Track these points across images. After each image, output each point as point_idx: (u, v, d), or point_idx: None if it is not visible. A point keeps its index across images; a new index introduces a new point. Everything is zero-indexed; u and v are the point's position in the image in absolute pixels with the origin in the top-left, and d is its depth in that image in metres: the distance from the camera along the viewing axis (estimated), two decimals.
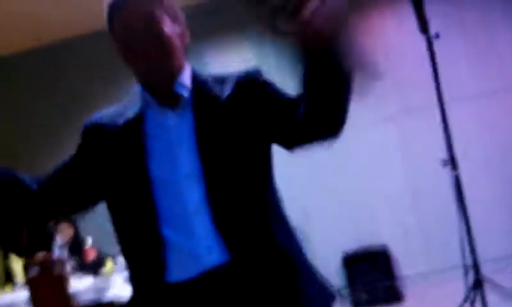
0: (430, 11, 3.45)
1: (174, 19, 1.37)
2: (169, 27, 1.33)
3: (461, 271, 3.46)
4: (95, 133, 1.40)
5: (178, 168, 1.31)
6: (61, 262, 3.58)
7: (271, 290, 1.31)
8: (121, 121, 1.38)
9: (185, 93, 1.37)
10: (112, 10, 1.34)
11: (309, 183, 5.04)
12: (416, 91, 4.81)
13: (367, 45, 1.18)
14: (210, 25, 5.16)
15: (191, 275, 1.29)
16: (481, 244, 3.74)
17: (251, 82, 1.39)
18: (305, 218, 4.54)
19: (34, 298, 3.48)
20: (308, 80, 1.21)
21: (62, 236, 4.50)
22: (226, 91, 1.38)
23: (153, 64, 1.32)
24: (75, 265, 4.07)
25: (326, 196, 5.04)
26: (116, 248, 1.41)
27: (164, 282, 1.31)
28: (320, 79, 1.18)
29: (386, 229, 4.96)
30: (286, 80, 1.30)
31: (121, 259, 3.47)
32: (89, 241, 4.26)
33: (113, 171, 1.36)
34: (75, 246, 4.48)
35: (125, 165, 1.34)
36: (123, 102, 1.45)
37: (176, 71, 1.36)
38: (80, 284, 3.60)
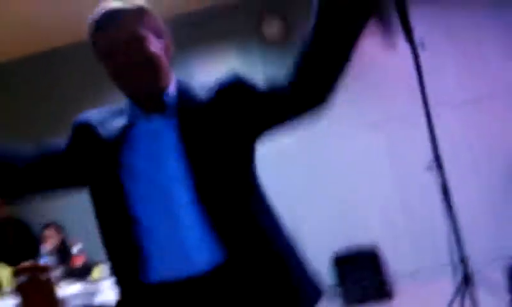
0: (416, 18, 3.47)
1: (158, 34, 1.38)
2: (154, 45, 1.34)
3: (449, 268, 3.49)
4: (83, 131, 1.42)
5: (165, 171, 1.32)
6: (49, 269, 3.55)
7: (261, 287, 1.32)
8: (108, 126, 1.40)
9: (171, 101, 1.39)
10: (97, 29, 1.33)
11: (299, 185, 5.06)
12: (404, 98, 4.84)
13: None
14: (197, 34, 5.16)
15: (179, 275, 1.30)
16: (469, 242, 3.78)
17: (232, 84, 1.40)
18: (295, 219, 4.55)
19: (23, 305, 3.45)
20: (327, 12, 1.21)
21: (49, 243, 4.47)
22: (209, 95, 1.40)
23: (141, 83, 1.33)
24: (63, 272, 4.04)
25: (316, 197, 5.06)
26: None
27: (142, 281, 1.32)
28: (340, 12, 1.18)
29: (375, 229, 4.99)
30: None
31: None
32: (77, 247, 4.23)
33: (91, 170, 1.38)
34: (63, 252, 4.45)
35: (101, 169, 1.37)
36: (115, 106, 1.47)
37: (163, 86, 1.38)
38: (68, 291, 3.57)
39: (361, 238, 4.97)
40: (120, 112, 1.43)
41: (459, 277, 3.40)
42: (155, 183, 1.32)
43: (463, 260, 3.40)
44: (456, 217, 3.48)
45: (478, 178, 4.89)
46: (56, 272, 3.77)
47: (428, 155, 3.54)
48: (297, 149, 5.09)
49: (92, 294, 3.50)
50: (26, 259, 3.72)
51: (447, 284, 3.52)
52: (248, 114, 1.37)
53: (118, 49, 1.30)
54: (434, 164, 3.49)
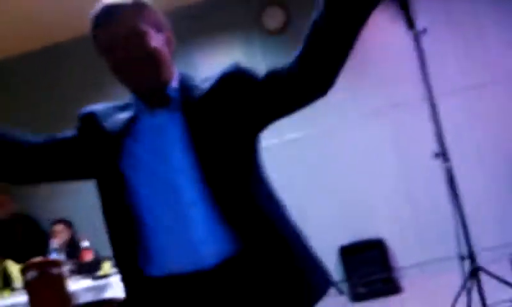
0: (418, 5, 3.47)
1: (158, 28, 1.39)
2: (154, 39, 1.35)
3: (456, 261, 3.49)
4: (88, 122, 1.43)
5: (170, 164, 1.33)
6: (59, 264, 3.58)
7: (270, 279, 1.32)
8: (112, 118, 1.42)
9: (175, 94, 1.40)
10: (97, 24, 1.34)
11: (304, 178, 5.06)
12: (407, 86, 4.83)
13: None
14: (197, 27, 5.16)
15: (186, 269, 1.30)
16: (477, 233, 3.77)
17: (233, 74, 1.41)
18: (300, 213, 4.55)
19: (33, 301, 3.48)
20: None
21: (58, 239, 4.50)
22: (211, 86, 1.41)
23: (142, 78, 1.34)
24: (72, 267, 4.07)
25: (322, 190, 5.06)
26: None
27: (148, 275, 1.33)
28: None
29: (381, 222, 4.99)
30: None
31: None
32: (85, 243, 4.25)
33: (95, 162, 1.39)
34: (72, 248, 4.49)
35: (104, 160, 1.37)
36: (120, 101, 1.48)
37: (166, 80, 1.39)
38: (77, 286, 3.60)
39: (367, 232, 4.97)
40: (124, 107, 1.44)
41: (467, 269, 3.40)
42: (160, 176, 1.32)
43: (470, 253, 3.40)
44: (463, 208, 3.47)
45: (482, 166, 4.86)
46: (66, 267, 3.80)
47: (432, 143, 3.54)
48: (301, 141, 5.10)
49: (101, 289, 3.52)
50: (35, 255, 3.75)
51: (455, 277, 3.52)
52: (251, 102, 1.38)
53: (118, 44, 1.31)
54: (439, 153, 3.49)
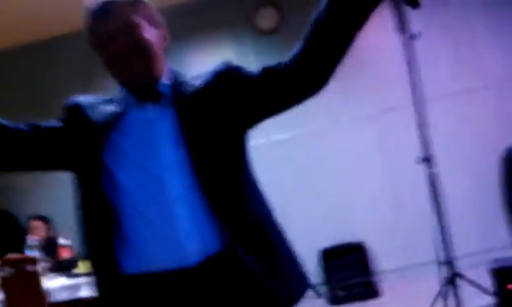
0: (410, 10, 3.48)
1: (152, 23, 1.39)
2: (148, 33, 1.36)
3: (436, 266, 3.51)
4: (73, 112, 1.42)
5: (158, 159, 1.32)
6: (36, 261, 3.53)
7: (252, 277, 1.31)
8: (99, 110, 1.41)
9: (167, 90, 1.39)
10: (92, 18, 1.35)
11: (288, 180, 5.06)
12: (396, 91, 4.86)
13: None
14: (190, 25, 5.15)
15: (169, 266, 1.28)
16: (457, 239, 3.80)
17: (225, 71, 1.43)
18: (283, 214, 4.55)
19: (8, 298, 3.43)
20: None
21: (36, 235, 4.44)
22: (203, 83, 1.42)
23: (135, 70, 1.34)
24: (48, 265, 4.01)
25: (306, 192, 5.08)
26: None
27: (125, 273, 1.30)
28: None
29: (363, 226, 5.01)
30: None
31: None
32: (63, 240, 4.20)
33: (78, 152, 1.37)
34: (50, 245, 4.43)
35: (83, 153, 1.36)
36: (106, 95, 1.47)
37: (158, 75, 1.39)
38: (53, 284, 3.55)
39: (349, 235, 4.98)
40: (111, 101, 1.44)
41: (445, 275, 3.42)
42: (146, 171, 1.31)
43: (448, 258, 3.43)
44: (444, 215, 3.50)
45: (468, 172, 4.91)
46: (42, 265, 3.75)
47: (419, 149, 3.56)
48: (288, 142, 5.10)
49: (77, 287, 3.48)
50: (12, 251, 3.70)
51: (435, 282, 3.54)
52: (243, 99, 1.39)
53: (112, 37, 1.32)
54: (423, 158, 3.52)
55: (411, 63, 3.53)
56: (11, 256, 3.52)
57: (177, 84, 1.42)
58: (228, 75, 1.42)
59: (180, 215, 1.28)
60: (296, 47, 1.35)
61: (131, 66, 1.33)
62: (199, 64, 5.02)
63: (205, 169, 1.30)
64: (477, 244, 4.75)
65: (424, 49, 4.02)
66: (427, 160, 3.51)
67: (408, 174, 4.73)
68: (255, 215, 1.37)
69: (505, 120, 4.89)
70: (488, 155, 4.84)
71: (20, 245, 4.06)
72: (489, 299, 3.36)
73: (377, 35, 4.74)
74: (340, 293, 4.64)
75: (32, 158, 1.40)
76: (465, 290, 3.41)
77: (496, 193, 4.75)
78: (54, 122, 1.44)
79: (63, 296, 3.46)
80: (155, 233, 1.28)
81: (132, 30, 1.32)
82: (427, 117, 3.60)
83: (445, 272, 3.44)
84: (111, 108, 1.40)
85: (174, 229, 1.28)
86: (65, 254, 4.12)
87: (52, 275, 3.86)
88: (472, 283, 3.38)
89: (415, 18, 3.56)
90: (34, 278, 3.46)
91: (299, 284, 1.43)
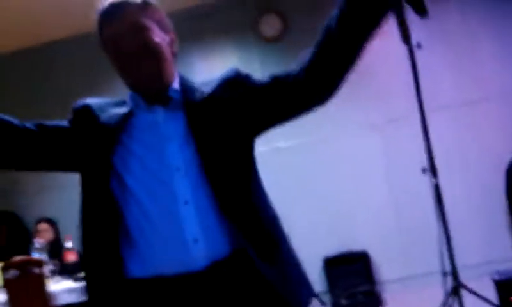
0: (412, 21, 3.49)
1: (163, 28, 1.41)
2: (158, 36, 1.37)
3: (439, 277, 3.50)
4: (82, 114, 1.42)
5: (166, 161, 1.32)
6: (42, 263, 3.54)
7: (260, 282, 1.30)
8: (108, 112, 1.41)
9: (177, 95, 1.40)
10: (102, 21, 1.36)
11: (291, 188, 5.06)
12: (400, 100, 4.86)
13: None
14: (194, 30, 5.17)
15: (176, 270, 1.27)
16: (460, 250, 3.80)
17: (234, 78, 1.44)
18: (288, 221, 4.55)
19: (13, 300, 3.44)
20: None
21: (42, 238, 4.46)
22: (212, 89, 1.43)
23: (144, 72, 1.35)
24: (54, 268, 4.03)
25: (310, 200, 5.07)
26: None
27: (130, 276, 1.29)
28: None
29: (367, 235, 5.00)
30: None
31: None
32: (69, 243, 4.21)
33: (86, 154, 1.37)
34: (56, 248, 4.44)
35: (93, 155, 1.36)
36: (115, 99, 1.48)
37: (168, 79, 1.40)
38: (59, 286, 3.56)
39: (352, 244, 4.98)
40: (120, 104, 1.44)
41: (449, 285, 3.42)
42: (155, 173, 1.31)
43: (453, 269, 3.42)
44: (448, 225, 3.50)
45: (470, 183, 4.90)
46: (48, 267, 3.76)
47: (423, 159, 3.56)
48: (291, 150, 5.10)
49: (83, 291, 3.49)
50: (19, 254, 3.71)
51: (437, 293, 3.53)
52: (251, 107, 1.40)
53: (122, 39, 1.33)
54: (427, 169, 3.52)
55: (415, 73, 3.54)
56: (16, 258, 3.54)
57: (186, 89, 1.43)
58: (237, 83, 1.43)
59: (188, 218, 1.27)
60: (302, 56, 1.36)
61: (140, 68, 1.34)
62: (203, 69, 5.05)
63: (215, 172, 1.30)
64: (480, 255, 4.74)
65: (427, 60, 4.03)
66: (431, 170, 3.51)
67: (412, 184, 4.73)
68: (265, 220, 1.37)
69: (508, 131, 4.88)
70: (490, 165, 4.84)
71: (26, 248, 4.07)
72: None
73: (383, 44, 4.74)
74: (344, 302, 4.64)
75: (37, 157, 1.39)
76: (469, 300, 3.40)
77: (499, 204, 4.76)
78: (61, 122, 1.44)
79: (68, 299, 3.47)
80: (162, 236, 1.27)
81: (142, 32, 1.34)
82: (430, 127, 3.60)
83: (448, 282, 3.43)
84: (120, 110, 1.41)
85: (182, 232, 1.27)
86: (71, 257, 4.13)
87: (57, 278, 3.87)
88: (476, 294, 3.37)
89: (418, 29, 3.58)
90: (40, 281, 3.46)
91: (306, 291, 1.43)
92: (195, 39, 5.18)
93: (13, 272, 3.46)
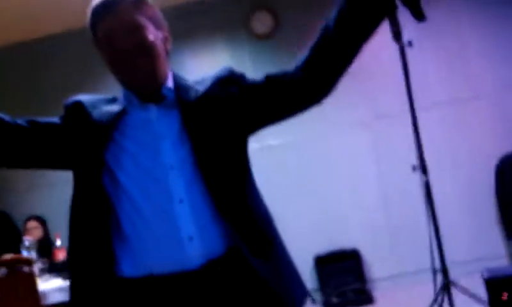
0: (403, 19, 3.50)
1: (157, 25, 1.40)
2: (152, 34, 1.36)
3: (429, 274, 3.52)
4: (74, 110, 1.41)
5: (160, 159, 1.31)
6: (29, 262, 3.52)
7: (254, 281, 1.30)
8: (100, 109, 1.40)
9: (171, 94, 1.40)
10: (95, 16, 1.35)
11: (281, 185, 5.06)
12: (390, 98, 4.87)
13: None
14: (186, 28, 5.15)
15: (170, 269, 1.26)
16: (449, 247, 3.82)
17: (227, 77, 1.44)
18: (278, 219, 4.55)
19: (1, 299, 3.41)
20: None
21: (31, 236, 4.43)
22: (206, 87, 1.42)
23: (138, 70, 1.34)
24: (43, 266, 4.00)
25: (300, 198, 5.07)
26: None
27: (121, 275, 1.27)
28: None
29: (357, 232, 5.01)
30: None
31: None
32: (59, 242, 4.19)
33: (78, 151, 1.36)
34: (45, 246, 4.42)
35: (85, 152, 1.34)
36: (108, 96, 1.47)
37: (162, 77, 1.39)
38: (49, 285, 3.54)
39: (343, 242, 4.98)
40: (112, 101, 1.43)
41: (439, 283, 3.43)
42: (148, 171, 1.30)
43: (443, 267, 3.44)
44: (438, 223, 3.51)
45: (459, 180, 4.92)
46: (38, 266, 3.74)
47: (412, 156, 3.58)
48: (282, 148, 5.10)
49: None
50: (8, 251, 3.68)
51: (428, 290, 3.55)
52: (245, 106, 1.40)
53: (116, 36, 1.32)
54: (417, 166, 3.53)
55: (406, 71, 3.55)
56: (5, 256, 3.51)
57: (180, 87, 1.42)
58: (231, 82, 1.43)
59: (183, 217, 1.27)
60: (298, 55, 1.37)
61: (134, 65, 1.33)
62: (194, 67, 5.02)
63: (210, 170, 1.29)
64: (470, 252, 4.77)
65: (417, 58, 4.05)
66: (421, 168, 3.53)
67: (402, 182, 4.74)
68: (259, 218, 1.37)
69: (498, 129, 4.91)
70: (480, 163, 4.87)
71: (16, 246, 4.05)
72: None
73: (374, 42, 4.76)
74: (335, 300, 4.65)
75: (28, 154, 1.38)
76: (459, 298, 3.42)
77: (489, 201, 4.80)
78: (53, 119, 1.43)
79: (58, 298, 3.45)
80: (156, 234, 1.26)
81: (138, 31, 1.33)
82: (420, 125, 3.62)
83: (439, 280, 3.45)
84: (113, 108, 1.40)
85: (177, 231, 1.26)
86: (60, 256, 4.11)
87: (47, 276, 3.85)
88: (466, 291, 3.39)
89: (408, 27, 3.60)
90: (29, 279, 3.44)
91: (299, 289, 1.43)
92: (186, 37, 5.16)
93: (2, 271, 3.44)
